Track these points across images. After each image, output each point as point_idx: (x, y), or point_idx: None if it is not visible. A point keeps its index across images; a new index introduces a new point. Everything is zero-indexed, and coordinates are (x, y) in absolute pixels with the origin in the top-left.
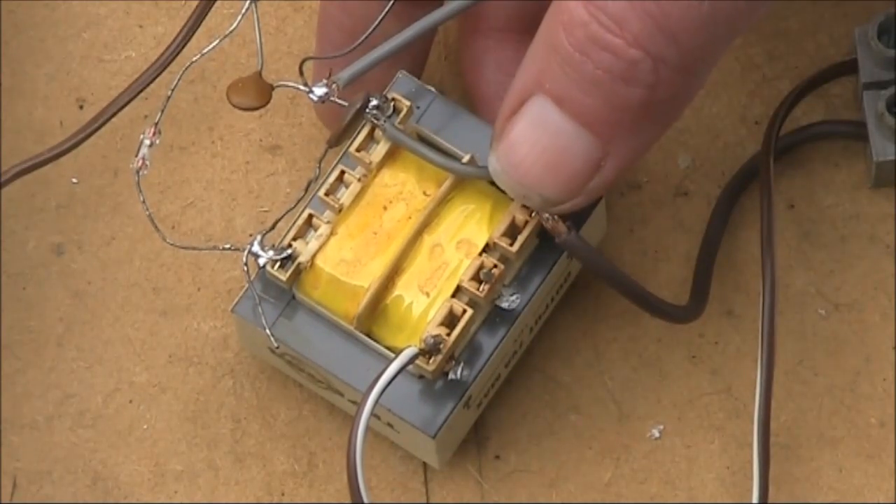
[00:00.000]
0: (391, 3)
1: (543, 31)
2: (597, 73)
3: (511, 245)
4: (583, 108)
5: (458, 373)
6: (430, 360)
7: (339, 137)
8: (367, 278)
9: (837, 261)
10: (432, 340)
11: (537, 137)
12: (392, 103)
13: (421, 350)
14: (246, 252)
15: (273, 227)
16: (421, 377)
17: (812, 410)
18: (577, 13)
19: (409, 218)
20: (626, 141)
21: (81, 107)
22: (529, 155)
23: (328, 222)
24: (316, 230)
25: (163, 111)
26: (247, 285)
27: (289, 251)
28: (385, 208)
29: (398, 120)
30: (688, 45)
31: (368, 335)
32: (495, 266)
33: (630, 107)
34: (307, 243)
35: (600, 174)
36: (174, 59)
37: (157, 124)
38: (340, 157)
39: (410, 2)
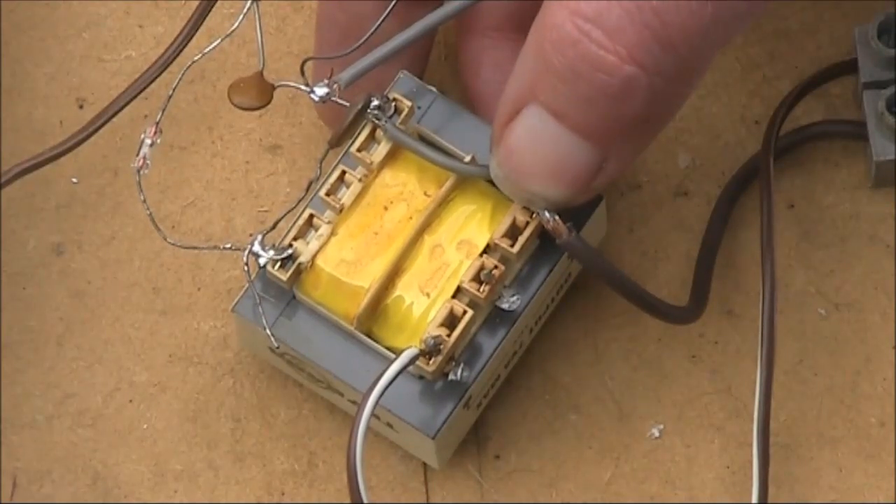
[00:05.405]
0: (392, 3)
1: (533, 41)
2: (591, 93)
3: (512, 246)
4: (580, 123)
5: (458, 374)
6: (431, 361)
7: (340, 137)
8: (368, 279)
9: (837, 261)
10: (432, 341)
11: (536, 146)
12: (393, 103)
13: (421, 351)
14: (247, 252)
15: (273, 227)
16: (421, 378)
17: (812, 410)
18: (564, 30)
19: (410, 218)
20: (626, 145)
21: (81, 107)
22: (530, 162)
23: (329, 222)
24: (316, 230)
25: (163, 111)
26: (247, 285)
27: (289, 251)
28: (386, 208)
29: (399, 120)
30: (686, 54)
31: (369, 335)
32: (496, 267)
33: (627, 120)
34: (308, 243)
35: (603, 173)
36: (174, 59)
37: (157, 124)
38: (341, 157)
39: (410, 2)
